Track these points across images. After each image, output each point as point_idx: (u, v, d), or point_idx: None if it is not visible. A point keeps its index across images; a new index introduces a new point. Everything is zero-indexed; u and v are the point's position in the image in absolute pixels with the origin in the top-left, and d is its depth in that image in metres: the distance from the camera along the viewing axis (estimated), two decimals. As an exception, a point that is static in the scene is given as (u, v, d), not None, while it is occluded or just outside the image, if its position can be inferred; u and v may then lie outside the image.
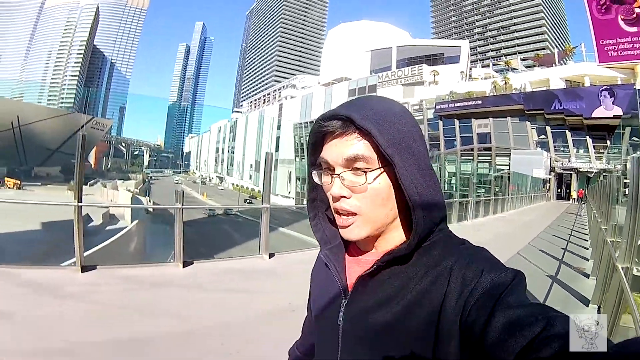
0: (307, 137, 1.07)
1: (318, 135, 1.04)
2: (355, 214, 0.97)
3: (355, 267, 1.07)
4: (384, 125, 0.94)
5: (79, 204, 6.71)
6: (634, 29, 48.65)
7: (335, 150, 0.98)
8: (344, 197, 0.97)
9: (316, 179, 1.05)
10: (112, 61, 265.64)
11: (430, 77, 74.44)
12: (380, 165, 0.95)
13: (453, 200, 18.29)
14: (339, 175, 0.97)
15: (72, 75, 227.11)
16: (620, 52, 49.16)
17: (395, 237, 1.03)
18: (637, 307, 3.77)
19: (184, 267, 7.12)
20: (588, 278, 8.66)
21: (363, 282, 1.01)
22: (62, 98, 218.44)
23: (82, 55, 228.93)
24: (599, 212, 12.05)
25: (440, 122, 63.50)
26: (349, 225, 0.99)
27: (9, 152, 54.72)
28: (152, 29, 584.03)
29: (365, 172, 0.95)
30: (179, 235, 7.40)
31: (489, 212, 21.81)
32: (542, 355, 0.66)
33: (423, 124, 64.10)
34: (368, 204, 0.97)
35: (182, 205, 7.60)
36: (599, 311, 5.93)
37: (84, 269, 6.37)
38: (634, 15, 48.34)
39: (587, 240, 14.30)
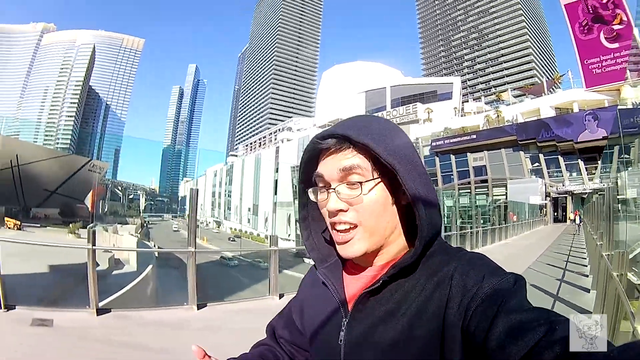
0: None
1: (312, 153, 1.08)
2: (355, 226, 1.00)
3: (355, 284, 1.09)
4: (380, 139, 0.98)
5: (93, 247, 7.15)
6: (615, 45, 51.36)
7: (331, 163, 1.02)
8: (342, 210, 1.00)
9: (312, 197, 1.09)
10: (107, 102, 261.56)
11: (424, 114, 76.47)
12: (376, 176, 0.99)
13: (458, 232, 19.45)
14: (334, 189, 1.00)
15: (68, 116, 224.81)
16: (605, 69, 51.73)
17: (394, 250, 1.05)
18: (633, 311, 4.04)
19: (198, 309, 7.39)
20: (589, 292, 9.05)
21: (364, 299, 1.02)
22: (58, 138, 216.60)
23: (78, 95, 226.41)
24: (594, 230, 12.76)
25: (437, 159, 64.99)
26: (349, 240, 1.01)
27: (8, 191, 53.69)
28: (146, 71, 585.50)
29: (361, 183, 0.98)
30: (192, 278, 7.72)
31: (494, 240, 23.28)
32: (545, 359, 0.67)
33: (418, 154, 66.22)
34: (366, 215, 0.99)
35: (195, 249, 7.96)
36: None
37: (99, 312, 6.62)
38: (614, 33, 51.14)
39: (585, 258, 14.88)
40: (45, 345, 5.14)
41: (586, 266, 12.88)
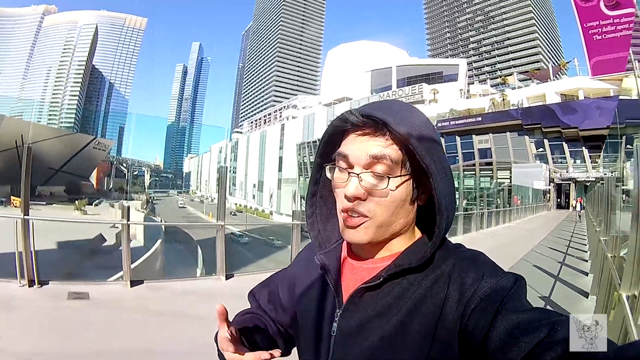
0: (314, 151, 1.17)
1: (339, 129, 1.01)
2: (367, 217, 0.96)
3: (352, 275, 1.06)
4: (419, 134, 0.93)
5: (128, 222, 7.67)
6: (615, 12, 51.39)
7: (360, 146, 0.95)
8: (359, 198, 0.95)
9: (328, 174, 1.02)
10: (111, 81, 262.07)
11: (430, 95, 76.49)
12: (405, 173, 0.94)
13: (466, 212, 20.12)
14: (357, 174, 0.94)
15: (71, 95, 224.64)
16: (604, 36, 51.57)
17: (397, 245, 1.02)
18: (622, 286, 4.04)
19: (226, 279, 7.78)
20: (587, 276, 9.16)
21: (360, 292, 0.99)
22: (62, 117, 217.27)
23: (81, 75, 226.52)
24: (597, 221, 12.34)
25: (442, 139, 63.68)
26: (356, 226, 0.96)
27: (13, 171, 54.39)
28: (149, 50, 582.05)
29: (389, 177, 0.93)
30: (221, 250, 8.03)
31: (499, 222, 23.85)
32: None
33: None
34: (384, 210, 0.95)
35: (225, 223, 8.27)
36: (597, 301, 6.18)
37: (133, 283, 6.98)
38: (614, 2, 51.28)
39: (585, 244, 15.01)
40: (85, 317, 5.48)
41: (586, 252, 12.98)
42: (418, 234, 1.03)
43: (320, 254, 1.09)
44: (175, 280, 8.22)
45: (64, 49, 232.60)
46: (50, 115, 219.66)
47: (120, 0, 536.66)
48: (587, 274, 9.48)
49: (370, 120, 0.92)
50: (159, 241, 26.63)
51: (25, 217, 6.81)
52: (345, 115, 0.97)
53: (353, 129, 0.96)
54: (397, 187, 0.92)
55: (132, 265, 17.15)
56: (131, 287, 6.89)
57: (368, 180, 0.92)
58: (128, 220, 7.73)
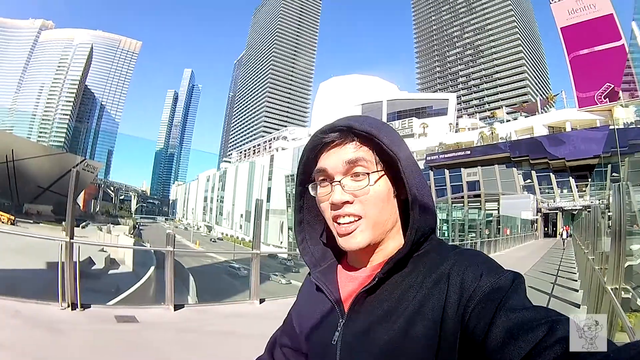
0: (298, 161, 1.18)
1: (312, 152, 1.06)
2: (359, 218, 0.98)
3: (350, 285, 1.07)
4: (383, 130, 0.98)
5: (174, 249, 7.81)
6: (602, 46, 53.68)
7: (335, 157, 1.00)
8: (347, 202, 0.98)
9: (312, 192, 1.06)
10: (102, 102, 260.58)
11: (419, 129, 77.98)
12: (380, 169, 0.99)
13: (461, 243, 20.97)
14: (339, 182, 0.99)
15: (63, 113, 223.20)
16: (591, 66, 53.25)
17: (390, 248, 1.04)
18: (631, 325, 3.98)
19: (260, 303, 8.16)
20: (579, 308, 9.12)
21: (361, 299, 1.00)
22: (53, 134, 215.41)
23: (74, 94, 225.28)
24: (584, 244, 12.72)
25: (431, 173, 65.85)
26: (352, 231, 0.99)
27: (2, 186, 53.68)
28: (142, 74, 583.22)
29: (368, 175, 0.97)
30: (256, 276, 8.38)
31: (490, 252, 24.36)
32: (546, 359, 0.66)
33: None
34: (370, 206, 0.98)
35: (260, 251, 8.62)
36: None
37: (176, 307, 7.23)
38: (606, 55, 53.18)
39: (575, 272, 15.39)
40: (138, 339, 5.65)
41: (576, 280, 13.12)
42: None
43: (316, 273, 1.15)
44: (213, 304, 8.64)
45: (59, 65, 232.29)
46: (40, 131, 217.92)
47: (116, 21, 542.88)
48: (578, 306, 9.66)
49: (336, 132, 0.99)
50: (152, 268, 26.98)
51: (71, 240, 6.84)
52: (315, 134, 1.03)
53: (326, 146, 1.02)
54: (376, 181, 0.97)
55: (129, 291, 17.06)
56: (174, 310, 7.12)
57: (350, 184, 0.98)
58: (174, 247, 7.94)
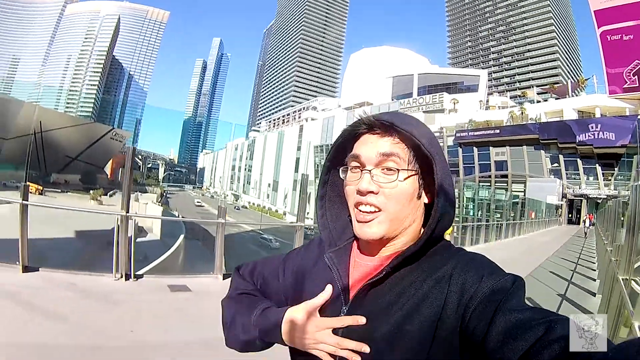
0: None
1: (350, 135, 1.10)
2: (380, 210, 1.01)
3: (359, 272, 1.09)
4: (422, 131, 1.01)
5: (225, 221, 8.41)
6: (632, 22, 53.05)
7: (371, 146, 1.04)
8: (372, 192, 1.01)
9: (342, 175, 1.10)
10: (131, 72, 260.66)
11: (450, 105, 77.44)
12: (411, 168, 1.02)
13: (487, 223, 21.46)
14: (369, 171, 1.02)
15: (90, 84, 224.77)
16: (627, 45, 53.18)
17: (403, 243, 1.06)
18: (635, 315, 4.08)
19: (223, 279, 8.06)
20: (595, 296, 9.36)
21: (365, 289, 1.02)
22: (80, 106, 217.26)
23: (101, 65, 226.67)
24: (605, 235, 13.18)
25: (460, 150, 66.05)
26: (370, 221, 1.02)
27: (30, 157, 52.15)
28: (170, 43, 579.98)
29: (398, 171, 1.00)
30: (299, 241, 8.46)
31: (514, 234, 25.37)
32: (544, 358, 0.67)
33: (443, 151, 66.73)
34: (393, 202, 1.01)
35: (304, 224, 8.90)
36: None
37: (224, 276, 7.67)
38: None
39: (594, 259, 15.82)
40: (193, 307, 6.09)
41: (594, 270, 13.27)
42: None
43: (330, 252, 1.16)
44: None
45: (85, 38, 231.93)
46: (68, 103, 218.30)
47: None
48: (594, 280, 10.81)
49: (379, 123, 1.04)
50: (182, 237, 27.62)
51: (127, 214, 7.56)
52: (355, 122, 1.09)
53: (364, 134, 1.07)
54: (405, 179, 1.01)
55: (158, 260, 17.57)
56: (223, 279, 7.63)
57: (379, 175, 1.02)
58: (224, 219, 8.37)
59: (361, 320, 0.99)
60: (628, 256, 5.93)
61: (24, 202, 6.63)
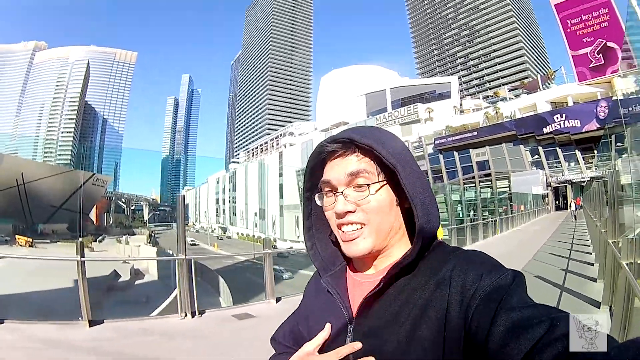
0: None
1: (317, 159, 1.12)
2: (363, 225, 1.02)
3: (359, 290, 1.09)
4: (382, 142, 1.01)
5: (271, 251, 8.60)
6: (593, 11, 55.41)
7: (338, 169, 1.04)
8: (350, 212, 1.02)
9: (318, 202, 1.11)
10: (104, 117, 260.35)
11: (425, 114, 78.14)
12: (382, 179, 1.02)
13: (484, 221, 22.45)
14: (342, 192, 1.02)
15: (66, 132, 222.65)
16: (585, 31, 55.38)
17: (396, 253, 1.07)
18: None
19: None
20: (595, 282, 9.00)
21: (368, 303, 1.02)
22: (58, 154, 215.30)
23: (75, 111, 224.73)
24: (596, 217, 13.07)
25: (441, 156, 66.93)
26: (355, 238, 1.02)
27: (15, 209, 53.37)
28: (140, 84, 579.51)
29: (368, 185, 1.01)
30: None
31: (509, 227, 26.19)
32: (547, 357, 0.67)
33: (424, 159, 68.20)
34: (373, 215, 1.01)
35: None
36: (610, 312, 6.05)
37: (277, 300, 8.11)
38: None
39: (588, 242, 15.94)
40: (260, 331, 5.78)
41: (590, 254, 12.98)
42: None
43: (326, 277, 1.18)
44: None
45: (57, 85, 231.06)
46: (45, 152, 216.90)
47: (109, 35, 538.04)
48: (592, 264, 10.96)
49: (339, 143, 1.05)
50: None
51: (187, 257, 7.63)
52: (318, 146, 1.10)
53: (330, 156, 1.08)
54: (377, 191, 1.02)
55: (169, 300, 17.73)
56: (276, 303, 8.06)
57: (352, 194, 1.03)
58: (271, 250, 8.72)
59: (357, 345, 1.00)
60: (612, 227, 6.75)
61: (82, 258, 6.75)
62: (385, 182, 1.02)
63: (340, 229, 1.04)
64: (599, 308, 6.82)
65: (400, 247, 1.07)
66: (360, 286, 1.09)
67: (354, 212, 1.02)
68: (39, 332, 6.17)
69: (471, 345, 0.83)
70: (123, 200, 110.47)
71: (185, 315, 7.10)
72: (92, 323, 6.49)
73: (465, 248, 1.06)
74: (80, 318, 6.55)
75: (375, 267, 1.09)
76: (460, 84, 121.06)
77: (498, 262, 0.96)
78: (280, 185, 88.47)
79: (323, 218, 1.15)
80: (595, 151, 51.74)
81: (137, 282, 30.38)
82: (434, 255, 1.02)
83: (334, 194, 1.05)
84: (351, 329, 1.03)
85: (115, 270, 29.52)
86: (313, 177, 1.15)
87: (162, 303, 19.62)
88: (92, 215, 74.48)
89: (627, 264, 5.11)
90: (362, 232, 1.02)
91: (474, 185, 56.95)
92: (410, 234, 1.10)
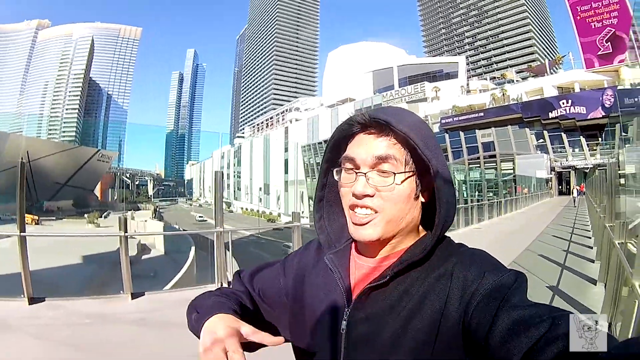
0: (319, 152, 1.79)
1: (346, 133, 1.06)
2: (377, 211, 0.98)
3: (360, 273, 1.07)
4: (419, 132, 0.96)
5: (300, 224, 8.68)
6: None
7: (366, 148, 0.99)
8: (368, 195, 0.97)
9: (336, 177, 1.05)
10: (109, 92, 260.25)
11: (432, 93, 78.36)
12: (408, 170, 0.97)
13: (490, 201, 22.91)
14: (365, 174, 0.98)
15: (70, 108, 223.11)
16: (596, 21, 56.16)
17: (403, 243, 1.04)
18: (632, 272, 4.06)
19: None
20: (593, 263, 9.52)
21: (367, 292, 1.00)
22: (62, 131, 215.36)
23: (79, 88, 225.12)
24: (597, 203, 13.35)
25: (447, 135, 66.76)
26: (366, 223, 0.98)
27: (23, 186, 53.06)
28: (145, 59, 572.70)
29: (394, 174, 0.96)
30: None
31: (513, 209, 26.69)
32: (547, 356, 0.66)
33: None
34: (390, 204, 0.97)
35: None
36: (605, 288, 6.44)
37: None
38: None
39: (588, 227, 16.55)
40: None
41: (590, 238, 13.56)
42: (422, 232, 1.09)
43: (330, 254, 1.14)
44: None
45: (61, 62, 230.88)
46: (50, 129, 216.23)
47: (114, 11, 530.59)
48: (591, 248, 11.52)
49: (374, 122, 0.99)
50: (193, 248, 28.08)
51: (224, 229, 8.06)
52: (352, 117, 1.05)
53: (359, 131, 1.03)
54: (402, 182, 0.98)
55: (179, 275, 17.83)
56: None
57: (375, 178, 0.98)
58: (300, 222, 8.92)
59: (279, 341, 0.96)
60: (610, 212, 7.29)
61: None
62: (411, 174, 0.99)
63: (353, 210, 1.01)
64: (595, 285, 7.64)
65: (406, 239, 1.05)
66: (361, 270, 1.09)
67: (372, 196, 0.98)
68: (83, 307, 6.45)
69: (471, 342, 0.83)
70: (127, 175, 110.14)
71: (222, 285, 7.19)
72: (134, 296, 6.89)
73: (469, 246, 1.07)
74: (121, 291, 6.95)
75: (379, 254, 1.06)
76: (467, 64, 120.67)
77: (500, 263, 0.96)
78: (286, 161, 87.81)
79: (336, 192, 1.12)
80: (600, 138, 52.19)
81: (143, 257, 30.37)
82: (438, 250, 1.01)
83: (355, 172, 1.00)
84: (347, 312, 1.02)
85: (144, 244, 30.70)
86: (335, 150, 1.11)
87: (172, 278, 20.40)
88: (97, 190, 75.53)
89: (619, 244, 5.63)
90: (374, 218, 0.99)
91: (478, 165, 57.03)
92: (418, 226, 1.09)
